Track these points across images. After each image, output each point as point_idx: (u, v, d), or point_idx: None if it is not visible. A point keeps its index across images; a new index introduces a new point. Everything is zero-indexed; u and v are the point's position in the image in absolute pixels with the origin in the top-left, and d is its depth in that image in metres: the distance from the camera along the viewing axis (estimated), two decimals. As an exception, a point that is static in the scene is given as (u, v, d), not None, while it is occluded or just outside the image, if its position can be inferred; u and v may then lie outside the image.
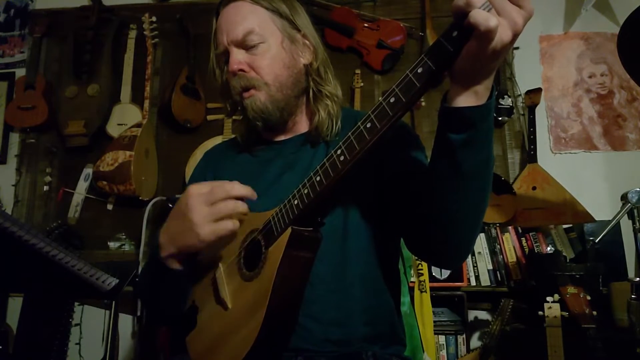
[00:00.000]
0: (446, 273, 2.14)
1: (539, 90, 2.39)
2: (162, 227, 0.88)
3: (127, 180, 2.27)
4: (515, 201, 2.24)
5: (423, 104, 2.42)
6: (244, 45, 0.94)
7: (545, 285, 1.77)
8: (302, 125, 1.04)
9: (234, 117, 1.12)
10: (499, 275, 2.19)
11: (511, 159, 2.46)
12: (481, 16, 0.54)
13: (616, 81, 2.50)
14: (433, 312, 2.02)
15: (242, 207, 0.80)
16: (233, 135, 1.16)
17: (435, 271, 2.13)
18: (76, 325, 2.24)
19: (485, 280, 2.19)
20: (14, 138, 2.68)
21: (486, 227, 2.25)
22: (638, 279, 1.65)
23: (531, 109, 2.39)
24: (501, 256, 2.21)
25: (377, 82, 2.57)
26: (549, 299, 1.62)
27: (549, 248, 2.22)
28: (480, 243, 2.22)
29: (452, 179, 0.70)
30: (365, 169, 0.83)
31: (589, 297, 1.58)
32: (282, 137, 1.04)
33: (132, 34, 2.65)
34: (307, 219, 0.78)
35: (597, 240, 1.94)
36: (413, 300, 1.97)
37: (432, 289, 2.05)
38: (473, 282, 2.18)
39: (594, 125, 2.48)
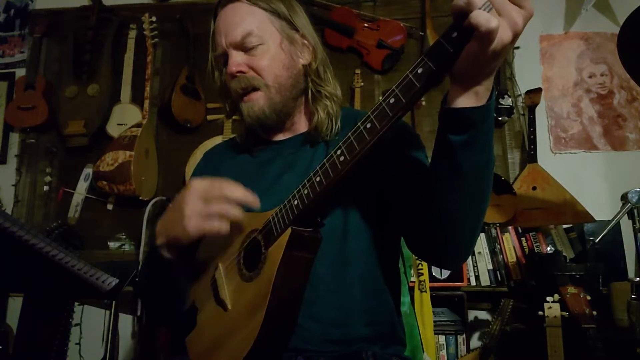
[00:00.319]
0: (446, 273, 2.14)
1: (539, 90, 2.39)
2: (162, 216, 0.89)
3: (127, 180, 2.27)
4: (515, 201, 2.23)
5: (424, 103, 2.42)
6: (243, 47, 0.94)
7: (545, 285, 1.77)
8: (301, 125, 1.04)
9: (233, 117, 1.12)
10: (499, 275, 2.19)
11: (511, 159, 2.46)
12: (482, 17, 0.54)
13: (616, 81, 2.50)
14: (433, 312, 2.02)
15: (233, 212, 0.78)
16: (233, 135, 1.16)
17: (435, 271, 2.13)
18: (76, 325, 2.24)
19: (485, 280, 2.19)
20: (14, 138, 2.67)
21: (486, 227, 2.25)
22: (638, 279, 1.64)
23: (531, 109, 2.39)
24: (501, 256, 2.21)
25: (377, 82, 2.57)
26: (549, 299, 1.62)
27: (549, 248, 2.22)
28: (480, 243, 2.22)
29: (452, 179, 0.70)
30: (365, 169, 0.83)
31: (589, 297, 1.57)
32: (280, 137, 1.04)
33: (132, 34, 2.65)
34: (307, 219, 0.78)
35: (597, 240, 1.93)
36: (413, 300, 1.97)
37: (432, 288, 2.05)
38: (473, 282, 2.18)
39: (594, 125, 2.47)
